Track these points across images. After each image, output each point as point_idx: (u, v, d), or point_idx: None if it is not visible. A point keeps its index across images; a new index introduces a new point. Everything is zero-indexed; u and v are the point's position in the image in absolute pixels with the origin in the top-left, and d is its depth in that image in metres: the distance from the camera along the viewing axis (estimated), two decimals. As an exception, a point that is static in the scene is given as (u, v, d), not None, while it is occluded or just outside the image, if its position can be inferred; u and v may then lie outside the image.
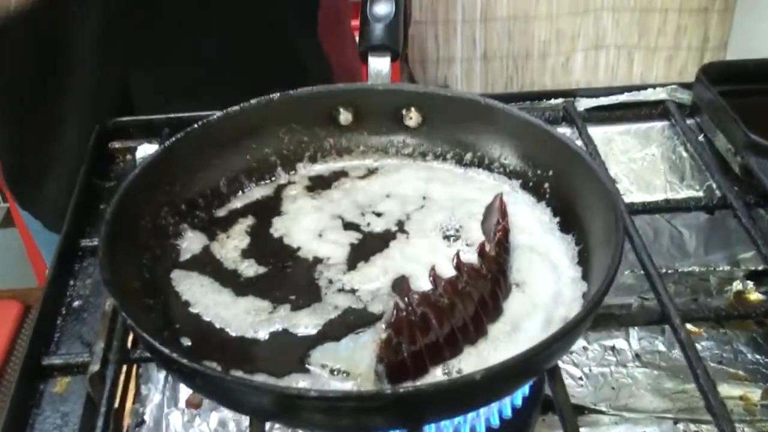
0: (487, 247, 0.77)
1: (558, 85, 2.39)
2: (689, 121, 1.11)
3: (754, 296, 1.04)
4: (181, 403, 0.86)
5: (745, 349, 0.97)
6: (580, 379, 0.92)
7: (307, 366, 0.70)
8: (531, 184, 0.88)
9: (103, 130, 1.09)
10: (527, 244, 0.82)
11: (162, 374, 0.88)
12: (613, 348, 0.96)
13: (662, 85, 1.13)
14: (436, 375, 0.68)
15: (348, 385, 0.67)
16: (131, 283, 0.74)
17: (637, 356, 0.96)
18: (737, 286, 1.06)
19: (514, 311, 0.74)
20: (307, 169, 0.93)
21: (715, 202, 1.00)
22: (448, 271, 0.76)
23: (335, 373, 0.68)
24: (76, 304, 0.90)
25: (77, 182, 1.00)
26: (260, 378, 0.68)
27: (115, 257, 0.71)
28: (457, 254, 0.75)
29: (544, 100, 1.12)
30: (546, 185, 0.86)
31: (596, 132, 1.07)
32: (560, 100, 1.11)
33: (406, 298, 0.70)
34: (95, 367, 0.77)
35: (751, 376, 0.93)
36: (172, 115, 1.09)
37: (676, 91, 1.14)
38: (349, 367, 0.68)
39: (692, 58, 2.29)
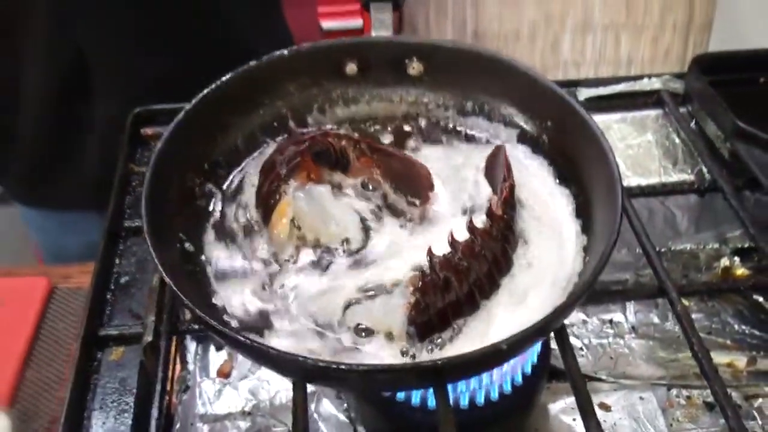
0: (494, 206, 0.80)
1: (546, 66, 2.41)
2: (682, 110, 1.17)
3: (740, 271, 1.09)
4: (212, 373, 0.93)
5: (731, 320, 1.02)
6: (581, 349, 0.97)
7: (347, 325, 0.75)
8: (529, 135, 0.91)
9: (136, 118, 1.14)
10: (529, 197, 0.85)
11: (194, 345, 0.95)
12: (611, 321, 1.01)
13: (657, 76, 1.19)
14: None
15: (382, 343, 0.73)
16: (175, 258, 0.77)
17: (633, 328, 1.01)
18: (725, 262, 1.10)
19: (523, 271, 0.78)
20: (317, 121, 0.95)
21: (706, 186, 1.06)
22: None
23: (368, 333, 0.74)
24: (123, 280, 0.97)
25: (117, 168, 1.05)
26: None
27: (159, 238, 0.73)
28: (470, 219, 0.79)
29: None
30: (544, 137, 0.89)
31: (596, 119, 1.04)
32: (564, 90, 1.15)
33: (429, 262, 0.76)
34: (148, 338, 0.84)
35: (737, 345, 0.99)
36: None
37: (670, 80, 1.19)
38: (383, 327, 0.74)
39: (678, 38, 2.33)
